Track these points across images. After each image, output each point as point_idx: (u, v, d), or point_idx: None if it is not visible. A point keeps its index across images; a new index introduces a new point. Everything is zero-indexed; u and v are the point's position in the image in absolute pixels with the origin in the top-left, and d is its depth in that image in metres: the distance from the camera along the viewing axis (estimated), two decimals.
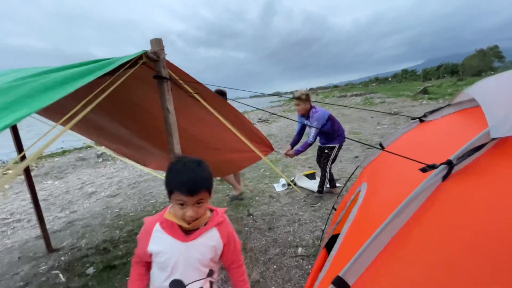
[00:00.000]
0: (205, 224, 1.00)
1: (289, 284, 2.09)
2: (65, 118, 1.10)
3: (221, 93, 4.22)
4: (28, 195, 3.16)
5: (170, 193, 0.91)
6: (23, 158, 2.82)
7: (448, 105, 1.26)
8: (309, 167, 4.99)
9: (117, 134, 2.79)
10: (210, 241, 1.00)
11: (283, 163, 5.50)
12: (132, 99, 1.99)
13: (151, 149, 2.98)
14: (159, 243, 0.96)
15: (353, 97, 21.68)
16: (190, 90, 1.72)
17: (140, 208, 4.02)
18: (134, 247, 1.03)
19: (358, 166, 2.39)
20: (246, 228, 3.00)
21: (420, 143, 1.20)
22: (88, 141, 3.53)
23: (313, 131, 3.30)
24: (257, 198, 3.81)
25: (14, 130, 2.67)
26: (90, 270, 2.49)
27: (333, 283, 0.67)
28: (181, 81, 1.67)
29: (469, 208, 0.62)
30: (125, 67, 1.35)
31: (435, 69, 35.78)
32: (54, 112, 2.39)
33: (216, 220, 1.02)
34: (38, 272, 2.61)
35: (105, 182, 5.67)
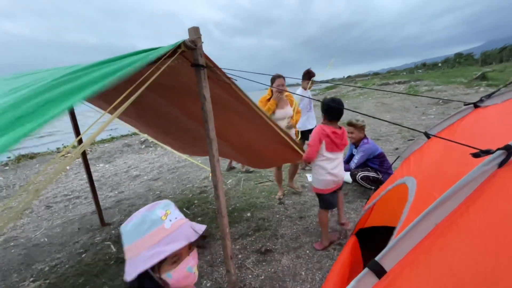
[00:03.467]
0: None
1: (319, 272, 2.09)
2: (111, 107, 1.21)
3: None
4: (84, 176, 3.58)
5: None
6: (80, 142, 3.19)
7: (510, 83, 1.10)
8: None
9: (156, 123, 2.99)
10: None
11: None
12: (167, 89, 2.09)
13: (185, 137, 3.13)
14: None
15: (395, 85, 20.02)
16: (227, 80, 1.76)
17: (178, 191, 4.30)
18: None
19: (398, 157, 2.24)
20: (277, 216, 3.04)
21: (474, 131, 1.07)
22: (133, 129, 3.84)
23: (356, 159, 3.19)
24: (289, 187, 3.81)
25: (73, 118, 3.01)
26: None
27: (369, 266, 0.65)
28: (217, 70, 1.71)
29: None
30: (165, 57, 1.42)
31: (497, 51, 30.82)
32: (103, 102, 2.63)
33: None
34: (94, 242, 2.98)
35: (148, 166, 6.15)
